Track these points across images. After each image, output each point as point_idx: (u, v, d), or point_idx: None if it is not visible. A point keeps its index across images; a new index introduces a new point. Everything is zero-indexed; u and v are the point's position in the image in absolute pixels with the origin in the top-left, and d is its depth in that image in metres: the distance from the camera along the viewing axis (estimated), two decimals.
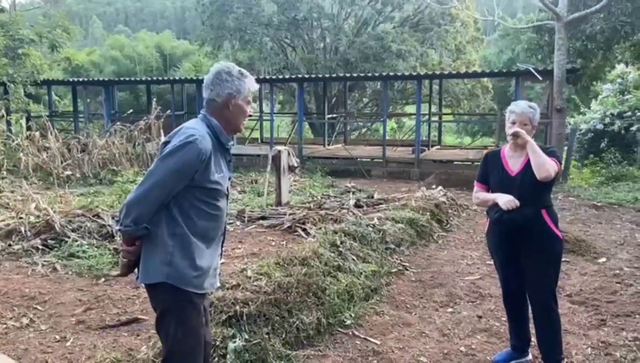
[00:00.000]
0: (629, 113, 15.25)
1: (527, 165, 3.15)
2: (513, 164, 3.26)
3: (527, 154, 3.15)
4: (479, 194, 3.42)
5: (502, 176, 3.27)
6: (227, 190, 2.47)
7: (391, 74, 15.60)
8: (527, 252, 3.21)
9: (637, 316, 4.28)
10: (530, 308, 3.34)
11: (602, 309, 4.44)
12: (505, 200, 3.12)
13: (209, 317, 2.63)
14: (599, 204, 9.34)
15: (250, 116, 2.47)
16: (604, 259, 5.90)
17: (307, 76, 17.16)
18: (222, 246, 2.54)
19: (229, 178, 2.48)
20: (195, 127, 2.31)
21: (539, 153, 3.07)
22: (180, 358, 2.36)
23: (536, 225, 3.16)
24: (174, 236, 2.28)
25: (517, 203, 3.08)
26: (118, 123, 13.90)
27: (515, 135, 3.14)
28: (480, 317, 4.27)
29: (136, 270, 2.40)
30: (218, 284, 2.56)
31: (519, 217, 3.11)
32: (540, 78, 12.89)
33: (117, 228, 2.31)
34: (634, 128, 14.76)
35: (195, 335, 2.38)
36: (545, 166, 3.04)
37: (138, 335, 3.84)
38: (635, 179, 11.86)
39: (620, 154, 14.11)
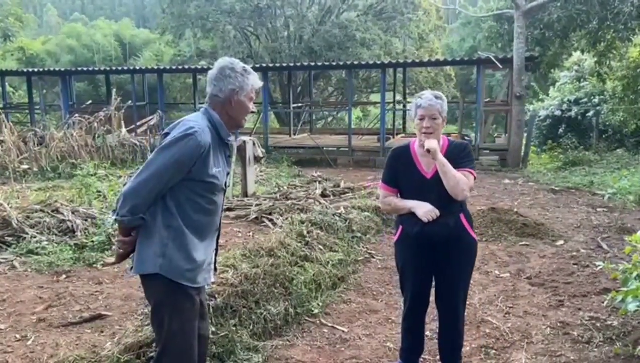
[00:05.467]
0: (585, 100, 15.76)
1: None
2: (427, 164, 2.84)
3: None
4: (390, 199, 2.95)
5: (416, 179, 2.84)
6: (225, 185, 2.46)
7: (355, 62, 15.63)
8: (445, 262, 2.90)
9: (593, 296, 4.45)
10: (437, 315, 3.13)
11: (560, 290, 4.60)
12: (425, 211, 2.75)
13: (206, 310, 2.60)
14: (557, 188, 9.64)
15: (253, 112, 2.47)
16: (561, 241, 6.10)
17: (271, 65, 17.01)
18: (217, 241, 2.52)
19: (227, 173, 2.47)
20: (195, 120, 2.30)
21: (451, 172, 2.70)
22: (175, 351, 2.33)
23: (458, 234, 2.84)
24: (169, 227, 2.27)
25: (437, 212, 2.74)
26: (76, 115, 13.49)
27: (428, 151, 2.72)
28: None
29: (131, 259, 2.38)
30: (212, 279, 2.53)
31: (442, 230, 2.77)
32: (501, 66, 13.17)
33: (114, 217, 2.29)
34: (589, 114, 15.26)
35: (190, 327, 2.36)
36: (459, 187, 2.71)
37: (102, 332, 3.77)
38: (591, 163, 12.28)
39: (577, 140, 14.61)
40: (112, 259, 2.53)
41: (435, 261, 2.92)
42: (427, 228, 2.79)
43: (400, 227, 2.98)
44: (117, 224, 2.35)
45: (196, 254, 2.32)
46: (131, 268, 2.37)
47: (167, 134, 2.30)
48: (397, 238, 3.03)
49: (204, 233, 2.37)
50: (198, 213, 2.32)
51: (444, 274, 2.96)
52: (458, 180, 2.71)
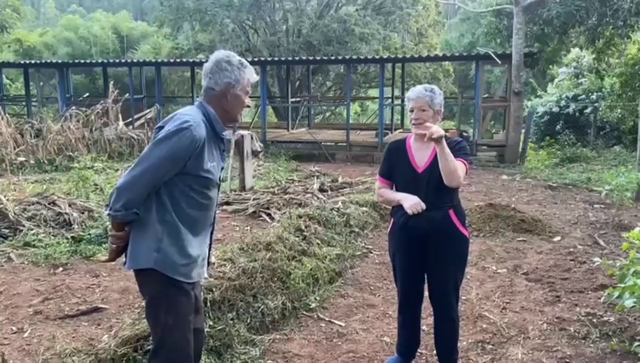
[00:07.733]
0: (583, 96, 15.76)
1: (435, 160, 2.80)
2: (420, 158, 2.92)
3: (434, 146, 2.82)
4: (383, 192, 3.06)
5: (408, 173, 2.92)
6: (219, 180, 2.43)
7: (354, 57, 15.59)
8: (433, 256, 2.95)
9: (590, 292, 4.46)
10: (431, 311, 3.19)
11: (557, 286, 4.61)
12: (411, 203, 2.82)
13: (201, 304, 2.59)
14: (554, 184, 9.66)
15: (248, 106, 2.43)
16: (558, 238, 6.11)
17: (269, 59, 16.95)
18: (211, 237, 2.50)
19: (222, 168, 2.44)
20: (190, 114, 2.27)
21: (450, 158, 2.71)
22: (172, 346, 2.31)
23: (444, 228, 2.88)
24: (164, 222, 2.25)
25: (424, 206, 2.81)
26: (73, 107, 13.42)
27: (429, 134, 2.65)
28: None
29: (124, 255, 2.36)
30: (206, 275, 2.52)
31: (426, 223, 2.84)
32: (500, 62, 13.15)
33: (107, 212, 2.25)
34: (587, 111, 15.26)
35: (186, 322, 2.34)
36: (456, 174, 2.74)
37: (99, 325, 3.77)
38: (588, 160, 12.31)
39: (574, 136, 14.62)
40: (105, 256, 2.48)
41: (423, 255, 2.96)
42: (412, 220, 2.86)
43: (392, 219, 3.07)
44: (110, 220, 2.32)
45: (191, 249, 2.30)
46: (124, 263, 2.35)
47: (161, 127, 2.26)
48: (389, 230, 3.14)
49: (198, 228, 2.34)
50: (192, 208, 2.29)
51: (432, 268, 3.00)
52: (455, 167, 2.73)
